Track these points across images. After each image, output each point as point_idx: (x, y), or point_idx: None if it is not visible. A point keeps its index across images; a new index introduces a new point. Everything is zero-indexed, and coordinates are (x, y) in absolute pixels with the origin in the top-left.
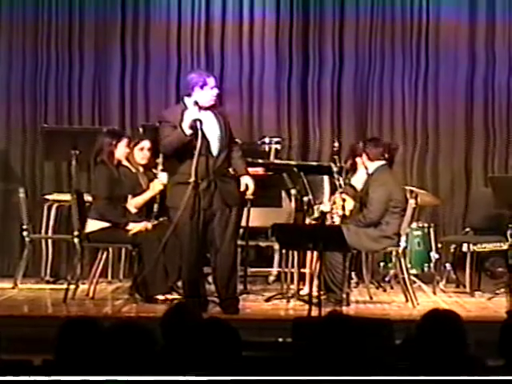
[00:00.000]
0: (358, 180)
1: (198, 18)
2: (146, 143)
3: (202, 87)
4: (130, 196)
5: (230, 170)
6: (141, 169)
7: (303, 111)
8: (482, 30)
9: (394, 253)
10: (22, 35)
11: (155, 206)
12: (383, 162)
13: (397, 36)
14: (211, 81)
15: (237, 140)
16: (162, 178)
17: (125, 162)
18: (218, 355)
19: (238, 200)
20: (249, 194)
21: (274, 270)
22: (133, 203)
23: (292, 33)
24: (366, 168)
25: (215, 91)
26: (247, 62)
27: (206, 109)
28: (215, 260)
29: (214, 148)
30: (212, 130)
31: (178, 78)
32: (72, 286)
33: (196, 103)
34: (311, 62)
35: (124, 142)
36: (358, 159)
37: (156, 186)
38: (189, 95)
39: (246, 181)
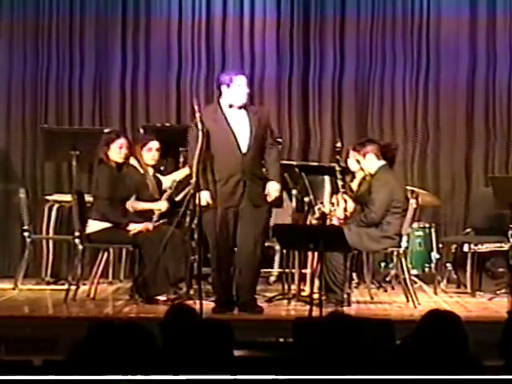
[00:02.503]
0: (355, 181)
1: (198, 17)
2: (155, 144)
3: (228, 85)
4: (133, 196)
5: (264, 170)
6: (150, 170)
7: (304, 111)
8: (483, 29)
9: (395, 253)
10: (22, 35)
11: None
12: (384, 162)
13: (398, 34)
14: (238, 79)
15: (277, 141)
16: (166, 182)
17: (133, 162)
18: (212, 355)
19: (265, 202)
20: (268, 200)
21: (275, 270)
22: (131, 205)
23: (293, 31)
24: (363, 169)
25: (243, 90)
26: (248, 60)
27: (240, 108)
28: (239, 261)
29: (243, 147)
30: (241, 129)
31: (179, 78)
32: (73, 287)
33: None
34: (312, 60)
35: (117, 143)
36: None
37: (161, 205)
38: (220, 95)
39: (270, 186)
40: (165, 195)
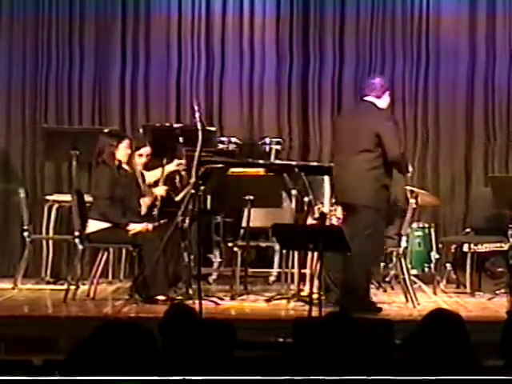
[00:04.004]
0: None
1: (198, 17)
2: (147, 149)
3: (389, 94)
4: (142, 199)
5: None
6: (143, 170)
7: (304, 111)
8: (483, 28)
9: (394, 253)
10: (22, 34)
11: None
12: None
13: (397, 33)
14: None
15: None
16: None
17: (124, 165)
18: (212, 355)
19: None
20: None
21: (275, 270)
22: (143, 201)
23: (292, 30)
24: None
25: None
26: (247, 60)
27: None
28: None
29: None
30: None
31: (179, 78)
32: (72, 287)
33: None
34: (311, 60)
35: (125, 143)
36: None
37: (159, 190)
38: (378, 97)
39: None
40: (160, 182)
